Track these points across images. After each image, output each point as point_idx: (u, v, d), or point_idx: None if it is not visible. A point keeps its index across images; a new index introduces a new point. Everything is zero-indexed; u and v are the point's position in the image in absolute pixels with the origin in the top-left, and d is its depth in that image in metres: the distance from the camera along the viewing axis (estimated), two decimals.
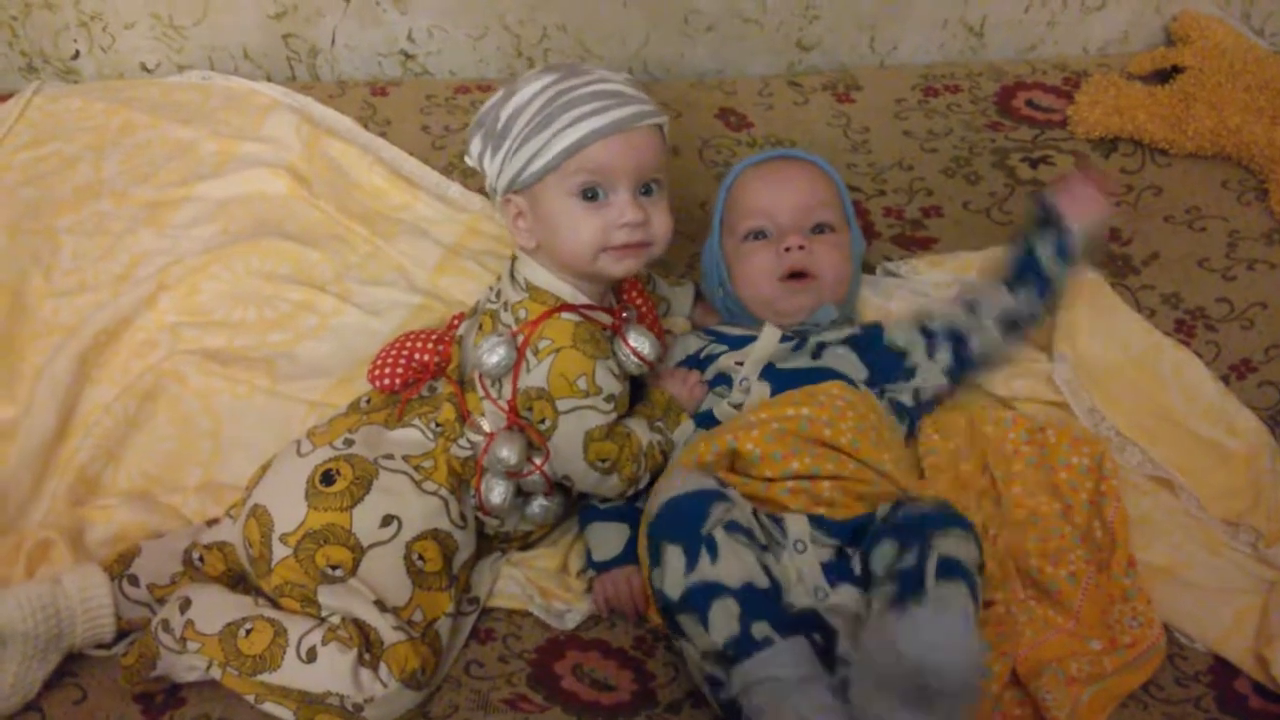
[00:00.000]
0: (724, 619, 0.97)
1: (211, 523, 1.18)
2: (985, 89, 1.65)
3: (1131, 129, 1.53)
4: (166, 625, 1.06)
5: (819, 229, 1.27)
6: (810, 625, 1.02)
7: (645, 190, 1.14)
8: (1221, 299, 1.40)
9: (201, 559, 1.14)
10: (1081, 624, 1.13)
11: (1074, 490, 1.21)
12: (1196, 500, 1.24)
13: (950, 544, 0.97)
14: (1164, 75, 1.61)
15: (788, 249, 1.24)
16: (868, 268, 1.42)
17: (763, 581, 0.99)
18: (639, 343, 1.15)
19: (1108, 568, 1.16)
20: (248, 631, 1.04)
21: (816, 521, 1.08)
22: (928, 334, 1.24)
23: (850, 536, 1.07)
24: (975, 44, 1.73)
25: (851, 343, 1.24)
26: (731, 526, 1.01)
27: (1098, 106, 1.55)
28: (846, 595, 1.03)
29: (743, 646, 0.96)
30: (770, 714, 0.93)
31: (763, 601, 0.98)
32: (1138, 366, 1.32)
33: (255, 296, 1.36)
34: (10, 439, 1.24)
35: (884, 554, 1.01)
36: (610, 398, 1.12)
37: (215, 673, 1.04)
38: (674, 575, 0.99)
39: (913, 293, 1.38)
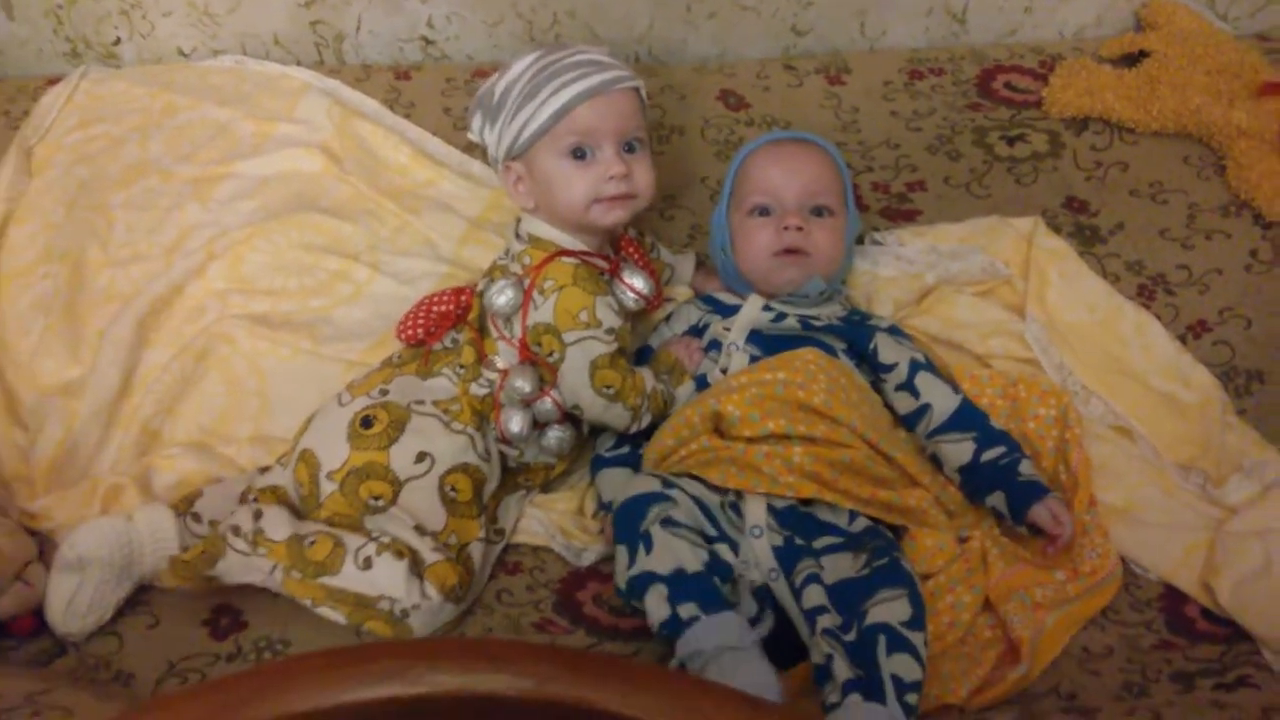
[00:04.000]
0: (656, 603, 1.10)
1: (264, 470, 1.30)
2: (967, 72, 1.75)
3: (1101, 109, 1.63)
4: (238, 530, 1.16)
5: (818, 211, 1.38)
6: (768, 598, 1.16)
7: (629, 148, 1.27)
8: (1181, 266, 1.51)
9: (255, 499, 1.25)
10: (1047, 556, 1.26)
11: (1041, 439, 1.33)
12: (1153, 447, 1.35)
13: (881, 610, 1.07)
14: (1132, 59, 1.71)
15: (786, 228, 1.36)
16: (856, 239, 1.54)
17: (693, 566, 1.10)
18: (633, 279, 1.29)
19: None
20: (310, 542, 1.15)
21: (772, 511, 1.19)
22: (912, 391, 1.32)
23: (801, 530, 1.19)
24: (958, 29, 1.83)
25: (835, 331, 1.35)
26: (667, 522, 1.13)
27: (1070, 89, 1.65)
28: (784, 592, 1.16)
29: (673, 627, 1.08)
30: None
31: (691, 584, 1.09)
32: (1102, 327, 1.43)
33: (296, 266, 1.47)
34: (79, 396, 1.35)
35: (818, 599, 1.11)
36: (610, 330, 1.25)
37: (278, 576, 1.15)
38: (620, 570, 1.14)
39: (896, 258, 1.50)
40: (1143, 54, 1.70)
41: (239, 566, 1.16)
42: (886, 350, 1.34)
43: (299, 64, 1.78)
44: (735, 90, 1.74)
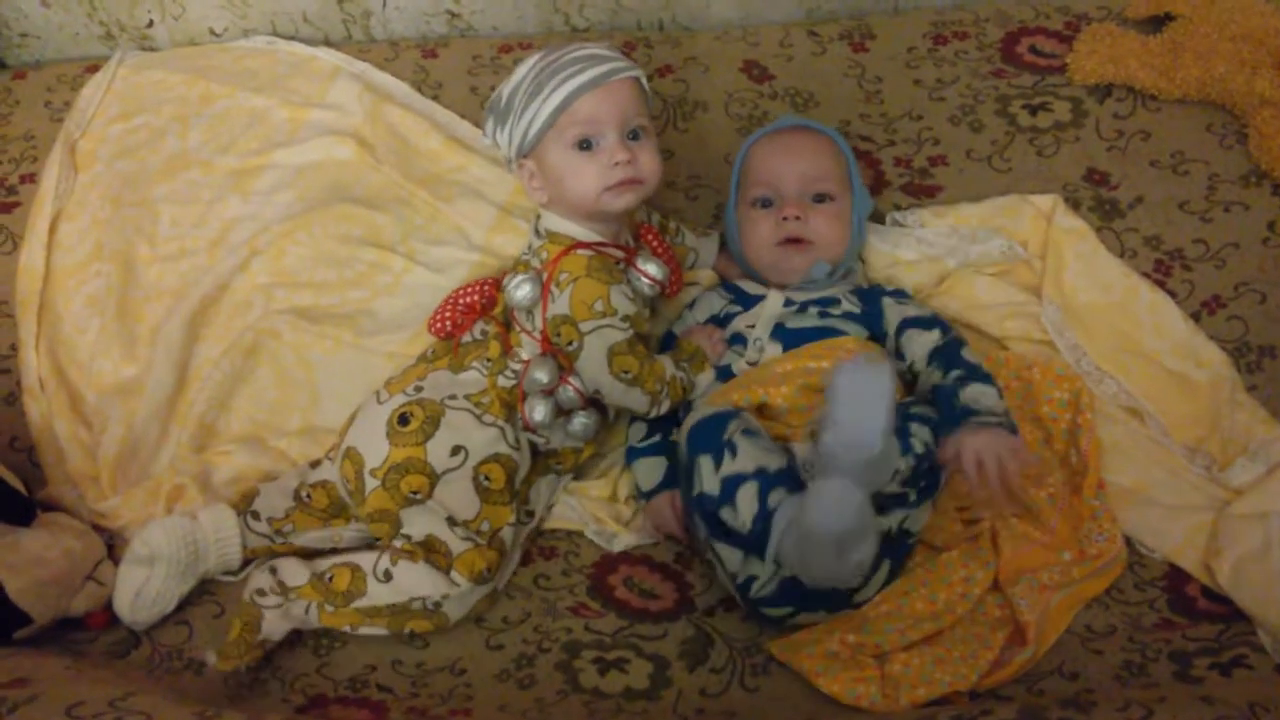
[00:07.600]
0: (747, 501, 1.17)
1: (314, 464, 1.38)
2: (991, 35, 1.73)
3: (1124, 77, 1.62)
4: (262, 591, 1.24)
5: (819, 198, 1.42)
6: None
7: (632, 136, 1.32)
8: (1198, 240, 1.52)
9: (309, 495, 1.34)
10: (1056, 538, 1.31)
11: (1054, 421, 1.38)
12: (1163, 427, 1.39)
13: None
14: (1158, 21, 1.69)
15: (785, 218, 1.40)
16: (878, 217, 1.56)
17: (776, 463, 1.18)
18: (647, 265, 1.35)
19: (1080, 491, 1.33)
20: (329, 578, 1.25)
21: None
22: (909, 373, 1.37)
23: None
24: None
25: (853, 318, 1.39)
26: (746, 432, 1.21)
27: (1094, 55, 1.65)
28: None
29: (763, 518, 1.15)
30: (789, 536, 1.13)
31: (776, 476, 1.17)
32: (1117, 308, 1.46)
33: (334, 258, 1.52)
34: (137, 395, 1.43)
35: None
36: (626, 317, 1.31)
37: (313, 614, 1.24)
38: (709, 476, 1.20)
39: (918, 240, 1.53)
40: (1168, 16, 1.68)
41: (279, 620, 1.23)
42: (890, 314, 1.39)
43: (328, 41, 1.81)
44: (759, 61, 1.75)
